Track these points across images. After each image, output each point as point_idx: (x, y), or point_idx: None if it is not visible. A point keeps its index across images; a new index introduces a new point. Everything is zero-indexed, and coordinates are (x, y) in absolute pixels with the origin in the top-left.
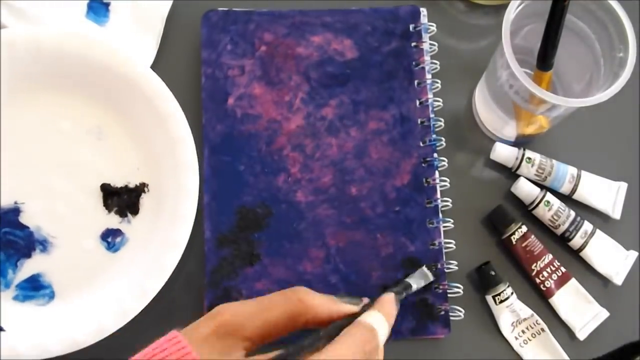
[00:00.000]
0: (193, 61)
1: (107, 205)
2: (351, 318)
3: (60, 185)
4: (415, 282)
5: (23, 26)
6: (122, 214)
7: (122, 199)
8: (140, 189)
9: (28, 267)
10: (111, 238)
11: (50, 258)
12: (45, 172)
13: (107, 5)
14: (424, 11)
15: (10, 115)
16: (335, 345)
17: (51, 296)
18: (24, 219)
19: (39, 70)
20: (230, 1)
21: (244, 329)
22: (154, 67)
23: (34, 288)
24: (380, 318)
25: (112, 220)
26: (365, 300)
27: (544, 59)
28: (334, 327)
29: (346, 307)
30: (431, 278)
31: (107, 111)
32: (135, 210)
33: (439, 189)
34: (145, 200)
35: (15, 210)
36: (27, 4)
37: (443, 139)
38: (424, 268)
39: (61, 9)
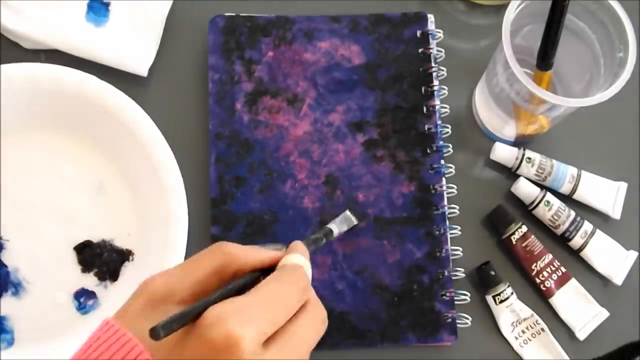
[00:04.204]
0: (200, 66)
1: (88, 264)
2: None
3: (49, 232)
4: (338, 227)
5: (45, 64)
6: (101, 277)
7: (105, 262)
8: (126, 256)
9: None
10: (84, 299)
11: (19, 303)
12: (38, 214)
13: (107, 5)
14: (431, 17)
15: (16, 149)
16: (266, 284)
17: (10, 342)
18: (4, 256)
19: (50, 109)
20: (236, 4)
21: (176, 293)
22: (160, 72)
23: None
24: (301, 257)
25: (90, 281)
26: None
27: (544, 59)
28: (250, 276)
29: (270, 253)
30: (354, 222)
31: (113, 169)
32: (115, 277)
33: (445, 196)
34: (127, 269)
35: None
36: (27, 4)
37: (450, 145)
38: (347, 212)
39: (61, 9)
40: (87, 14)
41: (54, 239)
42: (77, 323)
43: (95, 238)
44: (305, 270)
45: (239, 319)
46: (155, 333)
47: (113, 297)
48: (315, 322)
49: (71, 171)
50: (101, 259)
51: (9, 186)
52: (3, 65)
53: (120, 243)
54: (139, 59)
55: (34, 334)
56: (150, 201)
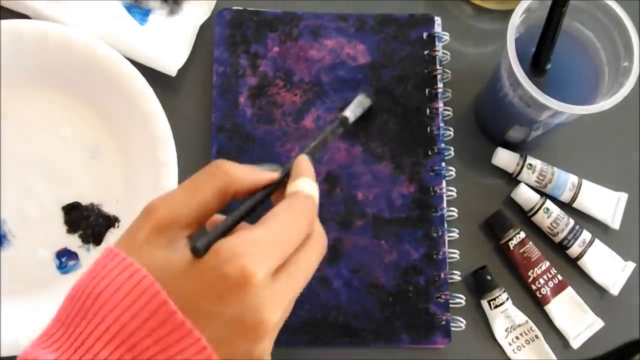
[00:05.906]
0: (206, 59)
1: (74, 226)
2: (270, 187)
3: (39, 189)
4: (352, 112)
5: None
6: (85, 239)
7: (91, 225)
8: (112, 222)
9: None
10: (65, 259)
11: (1, 255)
12: (31, 170)
13: (148, 12)
14: (438, 20)
15: (18, 104)
16: (278, 216)
17: None
18: None
19: (57, 68)
20: (243, 0)
21: (181, 218)
22: None
23: None
24: (312, 184)
25: (73, 242)
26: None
27: (538, 65)
28: (254, 199)
29: (267, 174)
30: (370, 102)
31: (111, 136)
32: (98, 241)
33: (445, 199)
34: (111, 235)
35: None
36: (64, 12)
37: (452, 148)
38: (360, 95)
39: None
40: (129, 11)
41: (44, 197)
42: (55, 281)
43: (84, 201)
44: (315, 201)
45: (253, 255)
46: (196, 250)
47: (94, 260)
48: (319, 249)
49: (70, 132)
50: (87, 221)
51: (7, 140)
52: (14, 20)
53: (108, 209)
54: (170, 60)
55: (12, 287)
56: (142, 172)
